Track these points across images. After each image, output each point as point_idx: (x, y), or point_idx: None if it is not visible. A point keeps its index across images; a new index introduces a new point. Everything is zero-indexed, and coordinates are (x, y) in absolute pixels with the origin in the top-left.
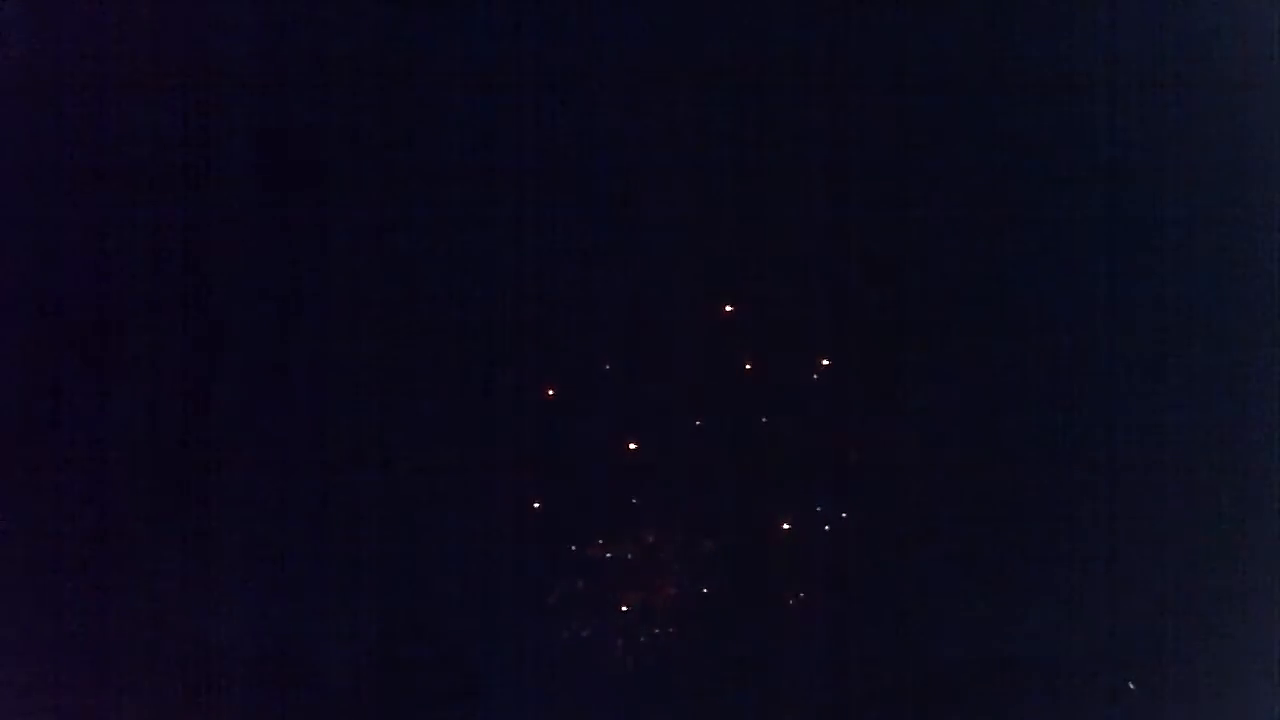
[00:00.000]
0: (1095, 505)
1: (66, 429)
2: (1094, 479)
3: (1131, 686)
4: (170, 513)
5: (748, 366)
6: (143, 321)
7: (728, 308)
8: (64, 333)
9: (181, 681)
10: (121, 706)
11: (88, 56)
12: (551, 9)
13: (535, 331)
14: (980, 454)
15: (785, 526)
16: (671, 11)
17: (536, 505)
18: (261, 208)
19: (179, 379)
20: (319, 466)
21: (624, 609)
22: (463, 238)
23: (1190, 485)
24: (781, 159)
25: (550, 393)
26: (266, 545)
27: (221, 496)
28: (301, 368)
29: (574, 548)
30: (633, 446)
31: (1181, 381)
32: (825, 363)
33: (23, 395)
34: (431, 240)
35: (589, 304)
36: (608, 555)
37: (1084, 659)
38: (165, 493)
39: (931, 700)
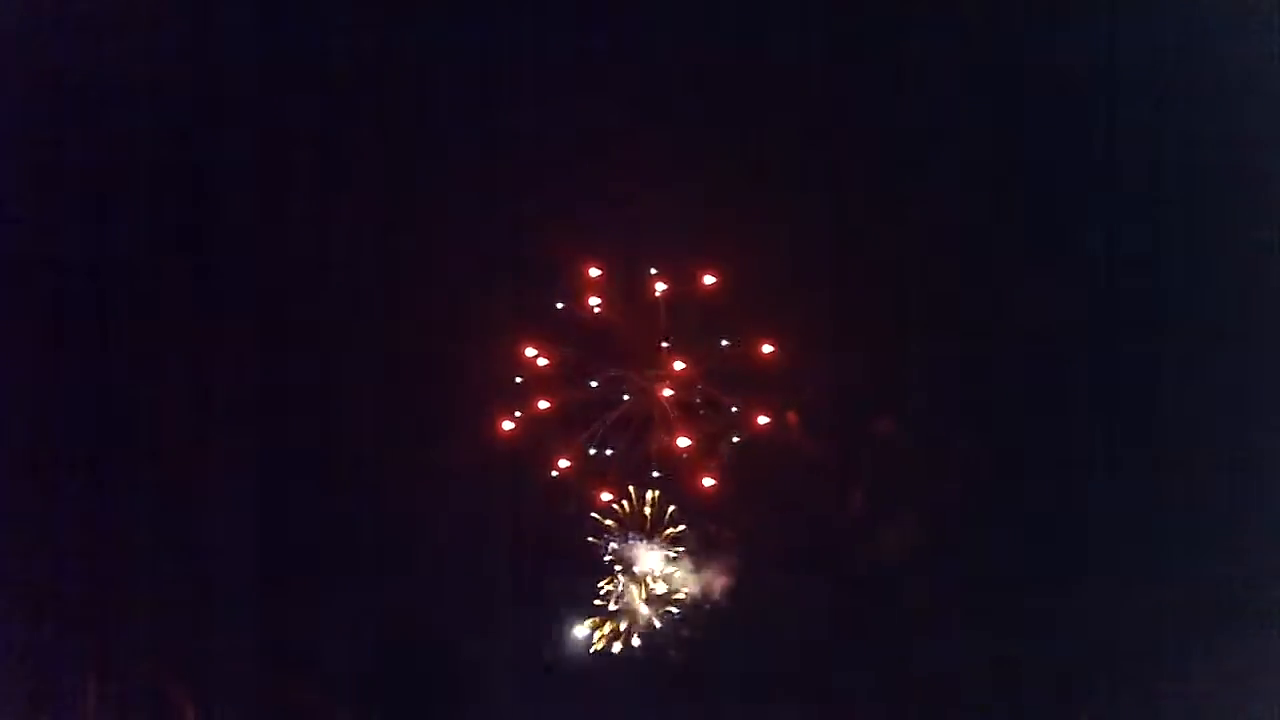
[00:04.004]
0: (1097, 507)
1: (66, 429)
2: (1094, 481)
3: (1129, 688)
4: (169, 512)
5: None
6: (143, 320)
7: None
8: (63, 333)
9: (181, 680)
10: (122, 704)
11: (88, 56)
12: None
13: (534, 330)
14: (983, 459)
15: (788, 528)
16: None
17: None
18: (261, 207)
19: (179, 379)
20: (318, 467)
21: (625, 609)
22: (465, 239)
23: (1191, 486)
24: (787, 160)
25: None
26: (266, 545)
27: (221, 497)
28: (300, 366)
29: (574, 548)
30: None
31: (1182, 382)
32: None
33: (23, 395)
34: (431, 242)
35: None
36: (610, 555)
37: (1084, 659)
38: (164, 493)
39: (932, 700)
